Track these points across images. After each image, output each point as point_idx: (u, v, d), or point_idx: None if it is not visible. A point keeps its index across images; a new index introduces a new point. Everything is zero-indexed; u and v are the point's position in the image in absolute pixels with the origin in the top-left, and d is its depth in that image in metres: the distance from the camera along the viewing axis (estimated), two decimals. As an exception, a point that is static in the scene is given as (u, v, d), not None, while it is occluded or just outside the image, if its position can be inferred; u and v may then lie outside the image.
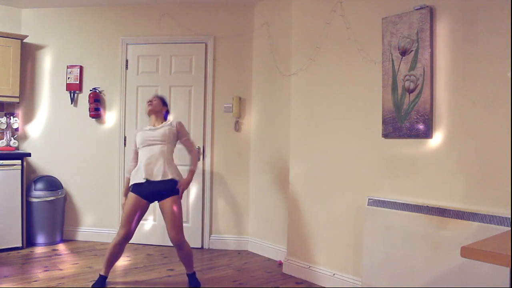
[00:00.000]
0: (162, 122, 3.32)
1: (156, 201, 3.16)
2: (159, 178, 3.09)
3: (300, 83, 3.62)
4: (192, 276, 3.31)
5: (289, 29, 3.81)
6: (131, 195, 3.12)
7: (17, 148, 4.52)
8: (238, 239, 4.41)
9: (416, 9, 2.75)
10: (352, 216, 3.16)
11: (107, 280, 3.17)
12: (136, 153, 3.28)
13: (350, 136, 3.21)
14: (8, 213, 4.06)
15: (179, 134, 3.30)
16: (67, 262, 3.79)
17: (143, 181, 3.08)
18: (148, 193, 3.10)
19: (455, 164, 2.58)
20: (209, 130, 4.42)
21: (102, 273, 3.16)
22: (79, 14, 4.62)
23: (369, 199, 2.97)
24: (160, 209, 3.16)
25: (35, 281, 3.28)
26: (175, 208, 3.10)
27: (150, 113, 3.33)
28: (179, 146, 3.39)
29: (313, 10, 3.52)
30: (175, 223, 3.09)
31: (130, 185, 3.18)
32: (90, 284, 3.22)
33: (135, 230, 3.12)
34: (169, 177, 3.12)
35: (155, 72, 4.49)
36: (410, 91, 2.79)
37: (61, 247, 4.32)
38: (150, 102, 3.33)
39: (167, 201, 3.10)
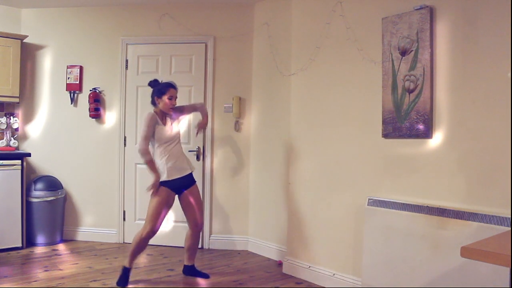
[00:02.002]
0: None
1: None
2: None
3: (300, 83, 3.62)
4: (194, 268, 3.55)
5: (289, 29, 3.81)
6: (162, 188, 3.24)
7: (17, 148, 4.52)
8: (238, 239, 4.41)
9: (416, 9, 2.74)
10: (352, 216, 3.16)
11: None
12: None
13: (350, 136, 3.21)
14: (8, 213, 4.06)
15: (184, 112, 3.52)
16: (67, 262, 3.79)
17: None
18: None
19: (455, 164, 2.58)
20: (209, 130, 4.41)
21: (126, 265, 3.27)
22: (79, 14, 4.62)
23: (369, 199, 2.97)
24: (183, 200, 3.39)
25: (35, 281, 3.28)
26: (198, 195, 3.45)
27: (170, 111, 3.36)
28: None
29: (313, 10, 3.52)
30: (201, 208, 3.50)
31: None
32: (90, 284, 3.23)
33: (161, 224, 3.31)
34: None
35: (155, 72, 4.48)
36: (410, 91, 2.79)
37: (61, 247, 4.32)
38: (174, 103, 3.33)
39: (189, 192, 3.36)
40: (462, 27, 2.56)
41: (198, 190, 3.45)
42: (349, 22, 3.21)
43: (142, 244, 3.23)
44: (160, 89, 3.31)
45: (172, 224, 4.43)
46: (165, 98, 3.28)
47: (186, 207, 3.37)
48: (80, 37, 4.62)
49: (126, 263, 3.28)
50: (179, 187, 3.29)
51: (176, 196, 3.35)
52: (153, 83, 3.40)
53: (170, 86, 3.33)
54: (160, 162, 3.23)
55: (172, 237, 4.42)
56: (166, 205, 3.23)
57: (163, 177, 3.20)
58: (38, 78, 4.66)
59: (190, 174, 3.36)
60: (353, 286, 3.10)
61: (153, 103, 3.36)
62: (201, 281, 3.42)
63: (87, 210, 4.63)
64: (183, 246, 4.34)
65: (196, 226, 3.39)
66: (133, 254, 3.25)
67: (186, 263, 3.51)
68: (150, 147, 3.26)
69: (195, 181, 3.40)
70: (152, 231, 3.19)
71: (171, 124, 3.33)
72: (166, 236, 4.44)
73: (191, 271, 3.50)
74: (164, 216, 3.26)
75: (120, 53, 4.55)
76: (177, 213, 4.39)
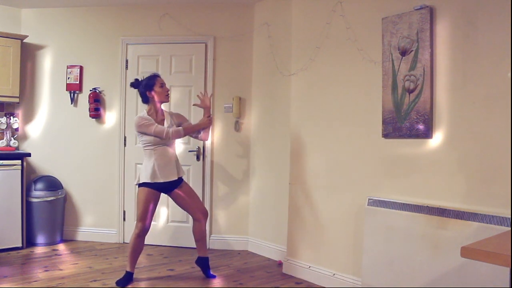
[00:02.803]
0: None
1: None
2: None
3: (300, 83, 3.62)
4: (206, 263, 3.52)
5: (289, 29, 3.81)
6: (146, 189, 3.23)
7: (17, 148, 4.52)
8: (238, 239, 4.41)
9: (416, 9, 2.74)
10: (352, 216, 3.16)
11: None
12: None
13: (350, 136, 3.21)
14: (8, 213, 4.06)
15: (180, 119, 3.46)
16: (67, 262, 3.79)
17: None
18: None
19: (455, 164, 2.58)
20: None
21: (128, 269, 3.27)
22: (79, 14, 4.62)
23: (369, 199, 2.97)
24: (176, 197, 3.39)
25: (35, 281, 3.28)
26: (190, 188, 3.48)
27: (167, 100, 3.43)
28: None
29: (313, 10, 3.52)
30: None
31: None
32: (90, 284, 3.23)
33: (151, 222, 3.31)
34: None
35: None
36: (410, 91, 2.79)
37: (61, 247, 4.32)
38: (167, 88, 3.36)
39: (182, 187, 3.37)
40: (462, 27, 2.56)
41: (188, 184, 3.47)
42: (349, 22, 3.21)
43: (138, 243, 3.23)
44: (147, 83, 3.27)
45: (172, 224, 4.43)
46: (157, 88, 3.25)
47: (182, 202, 3.38)
48: (80, 37, 4.62)
49: (127, 267, 3.28)
50: (165, 188, 3.28)
51: (170, 197, 3.41)
52: (136, 84, 3.33)
53: (155, 75, 3.31)
54: (148, 163, 3.21)
55: (172, 237, 4.42)
56: (153, 202, 3.23)
57: (146, 178, 3.18)
58: (38, 78, 4.66)
59: (178, 178, 3.33)
60: (353, 286, 3.11)
61: (146, 100, 3.30)
62: (204, 280, 3.42)
63: (87, 210, 4.63)
64: (183, 246, 4.38)
65: (201, 213, 3.42)
66: (132, 256, 3.25)
67: (198, 254, 3.52)
68: (142, 144, 3.28)
69: (183, 180, 3.41)
70: (144, 228, 3.21)
71: (168, 124, 3.30)
72: (166, 236, 4.44)
73: (202, 263, 3.51)
74: (153, 212, 3.26)
75: (120, 53, 4.55)
76: (176, 213, 4.39)
